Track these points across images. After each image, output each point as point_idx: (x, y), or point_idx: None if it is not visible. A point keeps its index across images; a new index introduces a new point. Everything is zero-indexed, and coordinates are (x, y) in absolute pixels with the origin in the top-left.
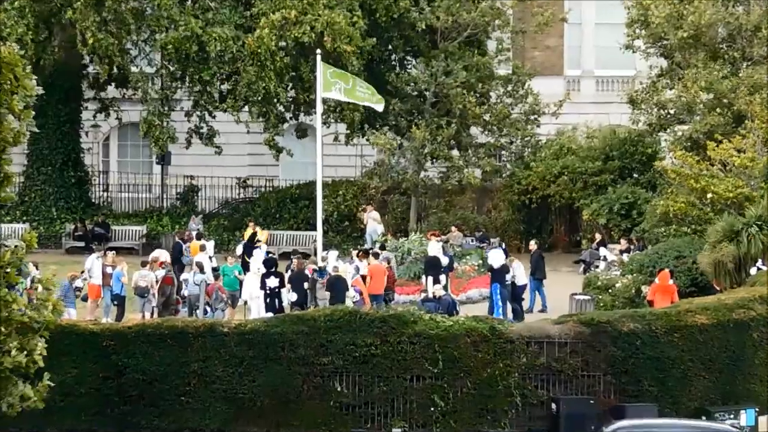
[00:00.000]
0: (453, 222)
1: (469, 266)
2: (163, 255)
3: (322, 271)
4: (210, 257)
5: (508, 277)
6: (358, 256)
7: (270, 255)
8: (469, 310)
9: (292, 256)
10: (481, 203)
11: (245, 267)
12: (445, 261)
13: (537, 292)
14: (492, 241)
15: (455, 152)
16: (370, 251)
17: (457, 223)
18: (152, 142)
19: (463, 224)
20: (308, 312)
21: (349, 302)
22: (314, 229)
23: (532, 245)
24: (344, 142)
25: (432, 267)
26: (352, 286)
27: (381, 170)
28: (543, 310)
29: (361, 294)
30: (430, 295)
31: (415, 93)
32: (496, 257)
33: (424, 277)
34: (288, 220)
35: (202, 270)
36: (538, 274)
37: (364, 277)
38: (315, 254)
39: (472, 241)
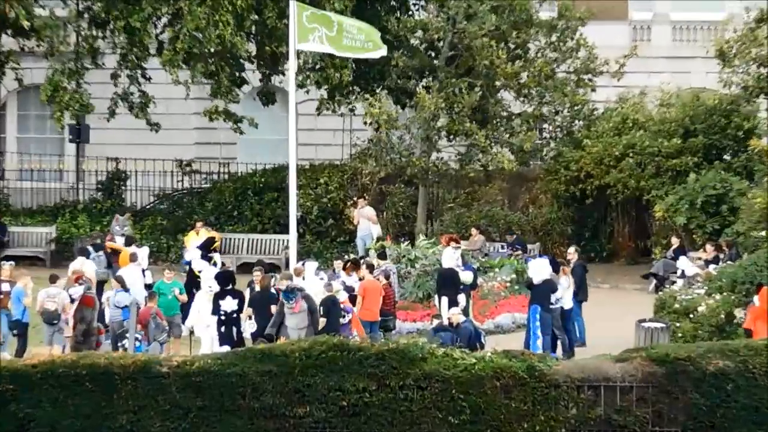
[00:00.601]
0: (476, 222)
1: (499, 283)
2: (86, 266)
3: (289, 294)
4: (143, 270)
5: (554, 297)
6: (345, 268)
7: (225, 268)
8: (498, 342)
9: (254, 269)
10: (515, 196)
11: (191, 284)
12: (466, 277)
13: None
14: (530, 248)
15: (479, 126)
16: (363, 262)
17: (480, 223)
18: (57, 110)
19: (490, 225)
20: (278, 345)
21: None
22: (286, 231)
23: (571, 253)
24: (317, 112)
25: (447, 283)
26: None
27: (377, 151)
28: (581, 344)
29: (350, 318)
30: (445, 322)
31: (425, 45)
32: (539, 269)
33: (436, 297)
34: (250, 219)
35: (125, 287)
36: (580, 295)
37: (353, 297)
38: (287, 266)
39: (503, 247)
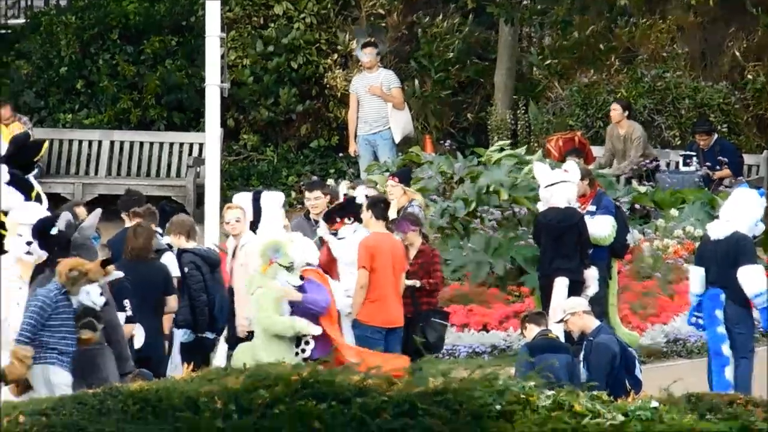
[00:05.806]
0: (624, 96)
1: (679, 242)
2: None
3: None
4: None
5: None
6: (330, 218)
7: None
8: (672, 372)
9: (133, 209)
10: (716, 42)
11: None
12: (601, 229)
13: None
14: (748, 162)
15: None
16: (369, 198)
17: (633, 99)
18: None
19: (660, 109)
20: (173, 385)
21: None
22: (194, 125)
23: None
24: None
25: (560, 244)
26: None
27: None
28: None
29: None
30: (556, 332)
31: None
32: (743, 212)
33: (536, 274)
34: (114, 97)
35: None
36: None
37: (329, 267)
38: (197, 200)
39: (687, 160)
